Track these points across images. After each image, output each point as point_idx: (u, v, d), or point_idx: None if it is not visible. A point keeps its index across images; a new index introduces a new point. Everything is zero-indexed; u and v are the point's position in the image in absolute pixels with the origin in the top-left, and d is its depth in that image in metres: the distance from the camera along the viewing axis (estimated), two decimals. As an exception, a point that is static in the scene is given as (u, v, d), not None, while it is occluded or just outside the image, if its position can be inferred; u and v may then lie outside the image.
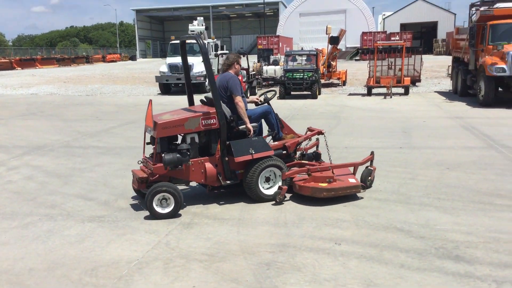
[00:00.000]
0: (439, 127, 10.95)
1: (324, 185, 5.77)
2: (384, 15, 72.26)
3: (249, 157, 5.70)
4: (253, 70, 22.76)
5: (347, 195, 5.80)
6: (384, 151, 8.35)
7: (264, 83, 23.93)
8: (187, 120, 5.60)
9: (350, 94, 19.80)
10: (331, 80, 24.14)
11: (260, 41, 51.42)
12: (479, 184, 6.27)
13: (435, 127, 10.96)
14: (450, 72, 20.30)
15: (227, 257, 4.28)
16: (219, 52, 24.87)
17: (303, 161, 6.46)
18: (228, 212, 5.52)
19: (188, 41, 25.08)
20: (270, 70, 24.96)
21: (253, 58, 48.02)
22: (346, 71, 24.45)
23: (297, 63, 20.64)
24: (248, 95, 19.70)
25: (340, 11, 61.17)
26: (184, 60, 6.51)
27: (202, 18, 25.11)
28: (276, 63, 26.74)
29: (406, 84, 18.62)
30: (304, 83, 18.45)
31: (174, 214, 5.37)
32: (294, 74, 18.75)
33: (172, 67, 22.20)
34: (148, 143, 6.07)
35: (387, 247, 4.34)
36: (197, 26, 24.56)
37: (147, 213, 5.54)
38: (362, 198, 5.86)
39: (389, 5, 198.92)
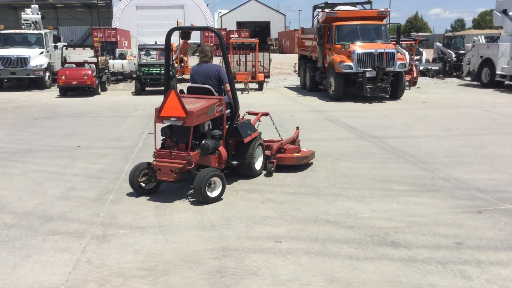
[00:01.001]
0: (307, 120, 11.58)
1: (298, 154, 6.96)
2: (220, 12, 74.03)
3: (249, 137, 6.36)
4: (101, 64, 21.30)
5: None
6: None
7: (113, 78, 22.63)
8: (209, 107, 5.82)
9: (206, 90, 19.83)
10: (183, 76, 23.87)
11: (96, 34, 48.55)
12: (371, 172, 6.75)
13: (304, 120, 11.55)
14: (296, 69, 21.65)
15: (170, 269, 3.88)
16: (59, 44, 22.81)
17: (264, 139, 7.24)
18: (142, 220, 5.03)
19: (19, 31, 22.51)
20: (117, 64, 23.72)
21: (91, 52, 44.76)
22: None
23: (151, 58, 19.95)
24: (99, 91, 18.45)
25: (178, 6, 60.83)
26: (167, 52, 6.42)
27: (37, 6, 22.70)
28: (122, 57, 25.48)
29: (261, 80, 19.34)
30: (161, 78, 17.88)
31: (220, 197, 5.60)
32: (151, 69, 18.07)
33: (4, 60, 19.53)
34: (162, 135, 5.96)
35: (327, 240, 4.39)
36: (31, 14, 22.08)
37: (46, 228, 4.77)
38: (276, 193, 5.86)
39: (219, 3, 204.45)
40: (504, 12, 19.65)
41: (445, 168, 6.87)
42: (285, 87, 20.54)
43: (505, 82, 18.71)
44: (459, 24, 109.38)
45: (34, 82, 20.39)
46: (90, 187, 6.25)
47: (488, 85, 18.99)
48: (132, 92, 19.11)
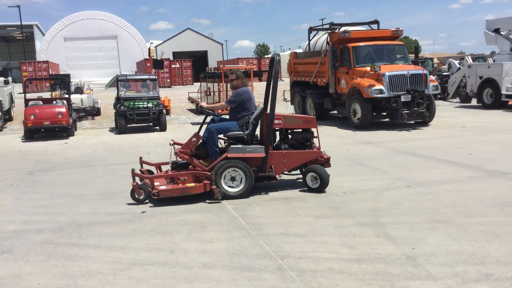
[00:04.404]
0: (374, 154, 9.70)
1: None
2: (152, 43, 71.25)
3: None
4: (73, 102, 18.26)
5: None
6: (384, 193, 6.56)
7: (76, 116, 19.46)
8: None
9: (194, 124, 17.45)
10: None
11: (24, 68, 44.12)
12: None
13: (370, 155, 9.66)
14: (286, 96, 19.89)
15: None
16: (10, 78, 19.46)
17: None
18: None
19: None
20: (75, 99, 20.57)
21: (18, 87, 40.77)
22: (169, 100, 21.85)
23: (130, 90, 17.23)
24: (74, 132, 15.48)
25: (111, 37, 57.55)
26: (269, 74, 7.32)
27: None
28: (80, 90, 22.34)
29: (257, 111, 17.30)
30: (150, 113, 15.29)
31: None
32: (137, 103, 15.40)
33: None
34: None
35: None
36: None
37: None
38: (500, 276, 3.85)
39: (150, 33, 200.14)
40: (496, 31, 19.33)
41: None
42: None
43: (510, 102, 18.16)
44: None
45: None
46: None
47: (491, 106, 18.30)
48: (110, 130, 16.37)
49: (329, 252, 4.68)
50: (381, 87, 13.44)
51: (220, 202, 6.62)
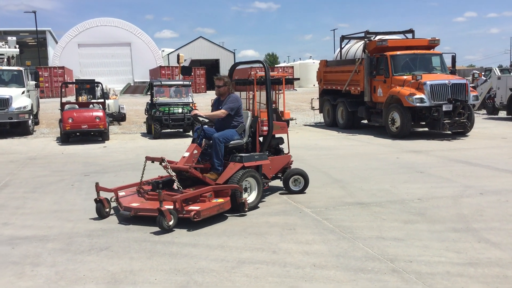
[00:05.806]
0: (431, 163, 9.65)
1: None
2: (163, 50, 71.57)
3: None
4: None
5: None
6: (461, 200, 6.50)
7: (105, 121, 19.48)
8: None
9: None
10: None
11: (40, 73, 44.20)
12: None
13: (428, 163, 9.62)
14: (314, 105, 19.86)
15: None
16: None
17: None
18: None
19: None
20: (102, 104, 20.59)
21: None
22: (195, 105, 21.84)
23: (162, 96, 17.26)
24: (109, 137, 15.47)
25: (124, 44, 57.78)
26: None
27: (14, 38, 19.24)
28: (106, 96, 22.37)
29: (287, 118, 17.31)
30: (185, 118, 15.31)
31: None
32: (172, 109, 15.42)
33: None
34: None
35: None
36: (7, 48, 18.62)
37: None
38: None
39: (162, 41, 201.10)
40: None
41: None
42: (304, 125, 18.66)
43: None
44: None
45: (13, 128, 16.95)
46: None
47: (522, 117, 18.28)
48: (142, 135, 16.42)
49: (438, 256, 4.62)
50: (422, 96, 13.43)
51: (297, 206, 6.59)
